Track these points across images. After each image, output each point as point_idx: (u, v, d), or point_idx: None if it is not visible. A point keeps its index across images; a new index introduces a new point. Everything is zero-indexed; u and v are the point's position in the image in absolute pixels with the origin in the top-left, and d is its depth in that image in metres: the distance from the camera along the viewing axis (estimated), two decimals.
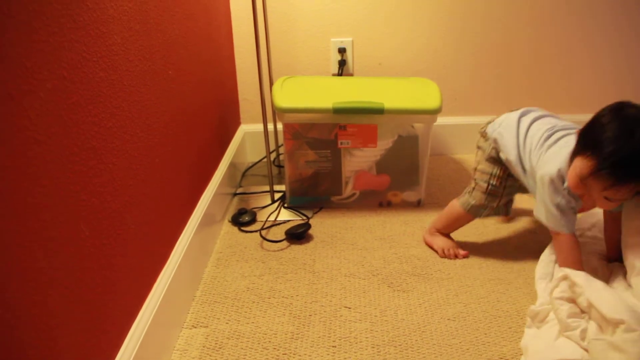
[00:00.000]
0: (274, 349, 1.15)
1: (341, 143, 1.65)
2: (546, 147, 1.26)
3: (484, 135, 1.44)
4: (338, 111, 1.58)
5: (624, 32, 2.03)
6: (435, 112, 1.61)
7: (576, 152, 1.14)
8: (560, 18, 2.00)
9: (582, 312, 1.09)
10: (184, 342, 1.17)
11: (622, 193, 1.10)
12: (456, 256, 1.46)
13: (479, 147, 1.45)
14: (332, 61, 2.03)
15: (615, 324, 0.99)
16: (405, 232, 1.60)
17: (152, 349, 1.03)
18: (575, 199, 1.19)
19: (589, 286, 1.07)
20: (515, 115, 1.37)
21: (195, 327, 1.22)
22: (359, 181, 1.73)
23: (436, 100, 1.63)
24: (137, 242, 1.02)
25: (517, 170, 1.32)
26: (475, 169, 1.45)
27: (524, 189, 1.39)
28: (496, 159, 1.39)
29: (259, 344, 1.16)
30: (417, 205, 1.76)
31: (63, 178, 0.75)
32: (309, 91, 1.73)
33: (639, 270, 1.15)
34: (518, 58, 2.05)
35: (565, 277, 1.13)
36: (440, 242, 1.49)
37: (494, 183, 1.39)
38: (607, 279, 1.25)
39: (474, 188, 1.43)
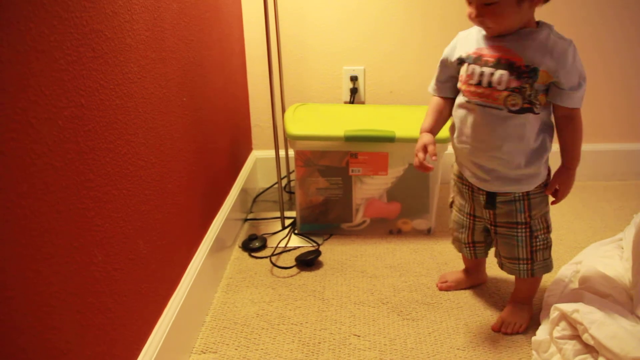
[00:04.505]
0: None
1: (352, 171, 1.66)
2: None
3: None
4: (349, 139, 1.59)
5: (618, 58, 2.04)
6: (445, 140, 1.60)
7: None
8: None
9: (587, 345, 1.07)
10: None
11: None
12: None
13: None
14: (344, 89, 2.05)
15: None
16: (415, 260, 1.59)
17: None
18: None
19: (592, 323, 1.05)
20: None
21: (205, 353, 1.21)
22: (370, 209, 1.74)
23: (446, 129, 1.64)
24: (149, 267, 1.02)
25: None
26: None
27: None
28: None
29: None
30: (427, 233, 1.75)
31: (78, 204, 0.76)
32: (320, 119, 1.74)
33: None
34: None
35: (563, 317, 1.11)
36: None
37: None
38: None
39: None
